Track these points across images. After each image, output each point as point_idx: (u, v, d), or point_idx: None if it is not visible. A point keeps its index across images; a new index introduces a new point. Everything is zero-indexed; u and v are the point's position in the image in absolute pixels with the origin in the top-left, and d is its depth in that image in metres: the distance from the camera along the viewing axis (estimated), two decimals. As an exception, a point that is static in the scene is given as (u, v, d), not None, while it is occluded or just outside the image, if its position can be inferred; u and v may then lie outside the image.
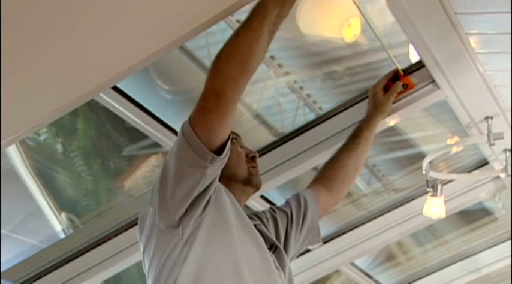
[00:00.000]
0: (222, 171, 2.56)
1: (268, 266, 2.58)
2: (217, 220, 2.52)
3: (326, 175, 3.18)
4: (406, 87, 3.38)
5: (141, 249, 2.62)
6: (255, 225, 2.71)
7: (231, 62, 2.33)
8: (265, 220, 2.87)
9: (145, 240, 2.56)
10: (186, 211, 2.45)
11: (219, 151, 2.41)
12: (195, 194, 2.43)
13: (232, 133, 2.79)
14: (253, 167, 2.82)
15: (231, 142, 2.67)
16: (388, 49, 3.35)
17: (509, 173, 3.71)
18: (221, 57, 2.35)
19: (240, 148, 2.82)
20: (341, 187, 3.20)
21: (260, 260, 2.57)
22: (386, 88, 3.37)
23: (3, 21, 2.12)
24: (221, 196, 2.58)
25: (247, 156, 2.83)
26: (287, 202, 3.04)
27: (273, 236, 2.80)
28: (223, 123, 2.40)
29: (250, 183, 2.78)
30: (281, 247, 2.78)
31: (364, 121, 3.33)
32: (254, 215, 2.89)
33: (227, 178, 2.71)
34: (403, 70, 3.35)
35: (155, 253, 2.51)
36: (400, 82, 3.35)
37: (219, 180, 2.59)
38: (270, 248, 2.70)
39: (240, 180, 2.76)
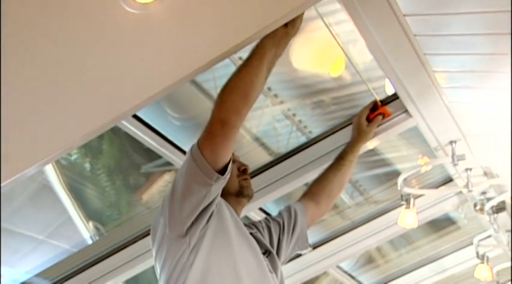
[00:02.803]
0: None
1: (262, 269, 2.58)
2: (219, 230, 2.51)
3: (314, 191, 3.16)
4: (383, 115, 3.40)
5: (154, 255, 2.60)
6: (251, 233, 2.70)
7: (234, 95, 2.35)
8: (260, 229, 2.85)
9: (157, 247, 2.55)
10: (193, 222, 2.44)
11: (222, 171, 2.41)
12: (201, 208, 2.42)
13: None
14: (245, 179, 2.79)
15: None
16: (368, 82, 3.36)
17: (470, 189, 3.72)
18: (226, 90, 2.36)
19: (232, 163, 2.75)
20: (327, 202, 3.17)
21: (256, 264, 2.57)
22: (368, 117, 3.39)
23: (42, 55, 2.14)
24: (222, 209, 2.57)
25: (238, 169, 2.79)
26: (280, 213, 3.01)
27: (267, 242, 2.78)
28: (226, 146, 2.39)
29: (242, 194, 2.75)
30: (274, 252, 2.76)
31: (349, 146, 3.30)
32: (251, 224, 2.87)
33: (222, 193, 2.65)
34: (380, 101, 3.38)
35: (166, 259, 2.50)
36: (380, 115, 3.37)
37: None
38: (264, 253, 2.69)
39: (233, 193, 2.73)
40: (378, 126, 3.39)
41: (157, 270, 2.58)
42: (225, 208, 2.61)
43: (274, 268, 2.69)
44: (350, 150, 3.28)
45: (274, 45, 2.42)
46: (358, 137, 3.33)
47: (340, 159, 3.25)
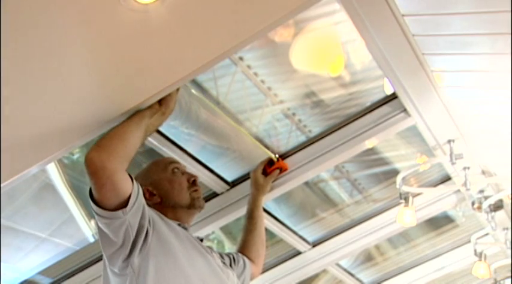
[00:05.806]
0: (167, 201, 2.55)
1: (212, 267, 2.56)
2: (160, 247, 2.43)
3: (246, 254, 3.16)
4: (281, 169, 3.49)
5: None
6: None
7: (110, 141, 2.31)
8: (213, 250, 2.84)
9: (107, 279, 2.47)
10: (128, 252, 2.37)
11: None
12: (131, 239, 2.35)
13: (173, 161, 2.78)
14: (195, 190, 2.74)
15: (173, 172, 2.69)
16: (367, 82, 3.36)
17: (468, 187, 3.72)
18: (100, 144, 2.30)
19: (181, 175, 2.75)
20: (259, 260, 3.22)
21: (205, 264, 2.54)
22: (265, 171, 3.49)
23: (42, 54, 2.14)
24: (158, 226, 2.47)
25: (188, 181, 2.74)
26: (230, 252, 3.05)
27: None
28: (120, 186, 2.30)
29: (194, 206, 2.71)
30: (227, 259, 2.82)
31: (251, 203, 3.35)
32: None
33: (172, 207, 2.65)
34: (280, 156, 3.48)
35: None
36: (277, 170, 3.48)
37: (165, 209, 2.60)
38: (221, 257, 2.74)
39: (184, 206, 2.69)
40: (278, 178, 3.49)
41: None
42: (160, 223, 2.52)
43: (230, 265, 2.75)
44: (254, 207, 3.34)
45: (148, 120, 2.42)
46: (256, 191, 3.39)
47: (250, 218, 3.30)
